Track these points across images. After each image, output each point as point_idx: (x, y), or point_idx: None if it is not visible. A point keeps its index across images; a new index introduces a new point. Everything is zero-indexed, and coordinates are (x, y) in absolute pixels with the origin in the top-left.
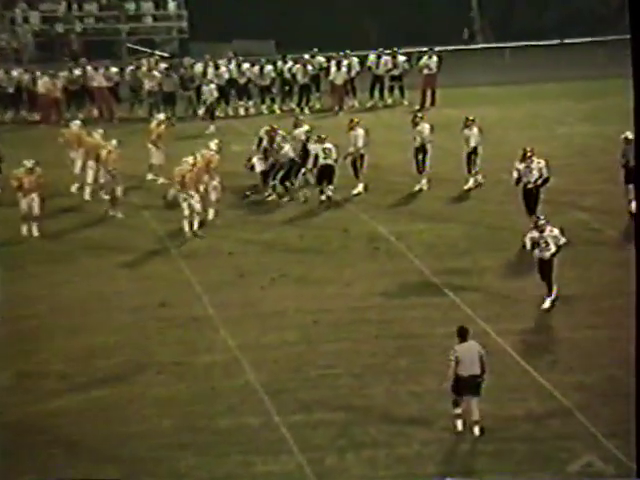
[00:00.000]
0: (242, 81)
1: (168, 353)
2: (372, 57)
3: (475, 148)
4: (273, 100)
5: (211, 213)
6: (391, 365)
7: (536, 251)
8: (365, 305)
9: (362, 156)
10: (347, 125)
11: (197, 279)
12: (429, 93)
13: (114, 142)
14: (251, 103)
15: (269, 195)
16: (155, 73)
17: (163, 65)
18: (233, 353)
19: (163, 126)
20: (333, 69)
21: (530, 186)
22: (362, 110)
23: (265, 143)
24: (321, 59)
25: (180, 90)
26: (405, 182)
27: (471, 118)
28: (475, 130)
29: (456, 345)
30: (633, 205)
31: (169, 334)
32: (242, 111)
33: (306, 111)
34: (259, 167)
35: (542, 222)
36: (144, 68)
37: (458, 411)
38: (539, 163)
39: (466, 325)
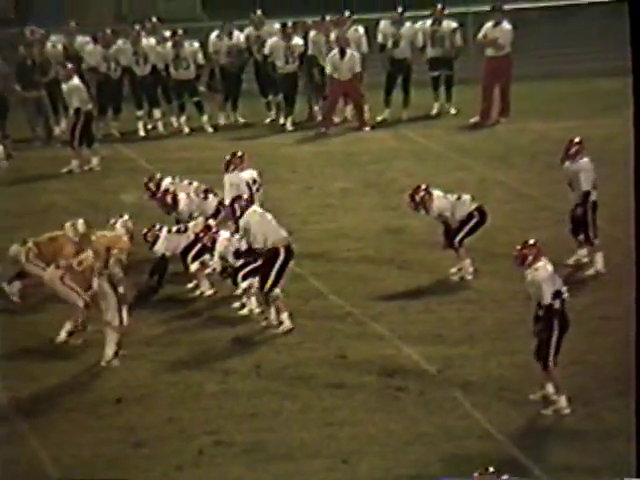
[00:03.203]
0: (142, 71)
1: None
2: (385, 25)
3: (586, 195)
4: (200, 106)
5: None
6: None
7: None
8: None
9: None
10: (226, 162)
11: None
12: (497, 92)
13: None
14: (158, 113)
15: (242, 307)
16: None
17: None
18: None
19: None
20: (333, 52)
21: None
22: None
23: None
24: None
25: (17, 88)
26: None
27: (576, 140)
28: (585, 162)
29: None
30: None
31: None
32: (141, 128)
33: (288, 125)
34: (167, 248)
35: None
36: None
37: None
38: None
39: None
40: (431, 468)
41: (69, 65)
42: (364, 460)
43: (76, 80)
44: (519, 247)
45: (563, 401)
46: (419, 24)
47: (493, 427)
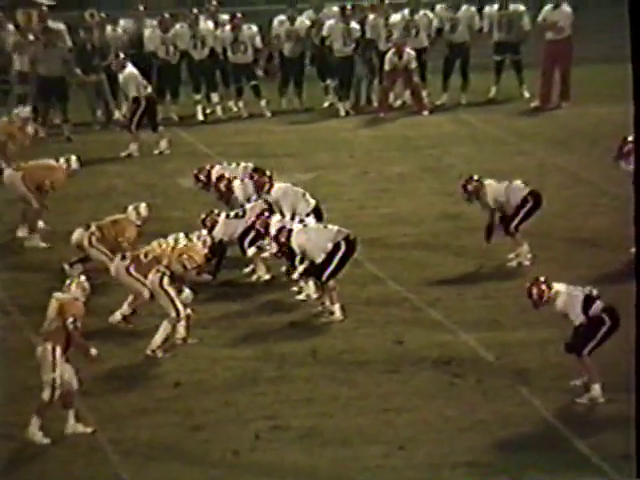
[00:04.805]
0: (200, 55)
1: None
2: (441, 8)
3: None
4: (257, 90)
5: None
6: None
7: None
8: None
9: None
10: (256, 182)
11: (106, 437)
12: (557, 76)
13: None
14: (216, 97)
15: (299, 291)
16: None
17: (54, 25)
18: None
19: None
20: (391, 53)
21: None
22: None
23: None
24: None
25: (77, 72)
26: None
27: (630, 138)
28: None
29: None
30: None
31: None
32: (199, 112)
33: (341, 111)
34: (225, 233)
35: None
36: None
37: None
38: None
39: None
40: (488, 455)
41: (121, 55)
42: (420, 446)
43: (130, 68)
44: (527, 290)
45: (597, 389)
46: (487, 8)
47: (550, 415)
